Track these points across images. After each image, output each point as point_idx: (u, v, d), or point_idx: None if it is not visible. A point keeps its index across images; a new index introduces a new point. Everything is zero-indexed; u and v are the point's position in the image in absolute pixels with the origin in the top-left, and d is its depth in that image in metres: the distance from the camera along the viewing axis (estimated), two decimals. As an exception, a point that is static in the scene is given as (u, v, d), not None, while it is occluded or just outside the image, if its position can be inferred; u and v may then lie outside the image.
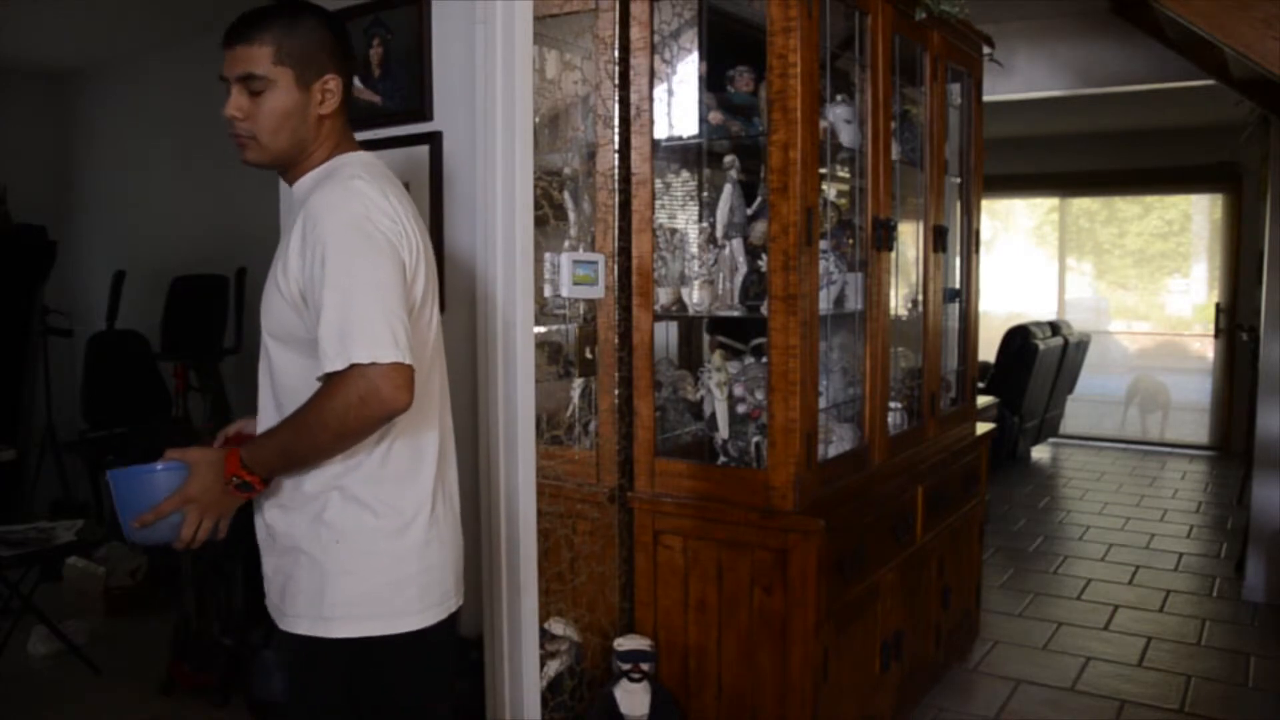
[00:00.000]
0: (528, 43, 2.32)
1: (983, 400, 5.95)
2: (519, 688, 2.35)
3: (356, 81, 2.59)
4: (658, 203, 2.75)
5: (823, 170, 2.62)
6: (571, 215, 2.76)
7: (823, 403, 2.69)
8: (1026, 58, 4.77)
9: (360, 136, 2.43)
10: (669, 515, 2.66)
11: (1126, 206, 8.56)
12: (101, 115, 5.91)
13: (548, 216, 2.67)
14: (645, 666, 2.61)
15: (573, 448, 2.78)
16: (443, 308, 1.78)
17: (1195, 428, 8.16)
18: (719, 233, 2.78)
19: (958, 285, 3.60)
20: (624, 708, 2.58)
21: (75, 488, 5.12)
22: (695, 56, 2.81)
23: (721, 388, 2.74)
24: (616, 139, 2.67)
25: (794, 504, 2.48)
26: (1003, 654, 3.77)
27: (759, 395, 2.68)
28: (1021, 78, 4.77)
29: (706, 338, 3.17)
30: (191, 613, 3.41)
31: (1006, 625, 4.06)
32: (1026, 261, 8.93)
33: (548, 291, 2.62)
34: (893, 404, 3.06)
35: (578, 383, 2.80)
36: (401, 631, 1.57)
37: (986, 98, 3.71)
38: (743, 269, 2.73)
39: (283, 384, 1.58)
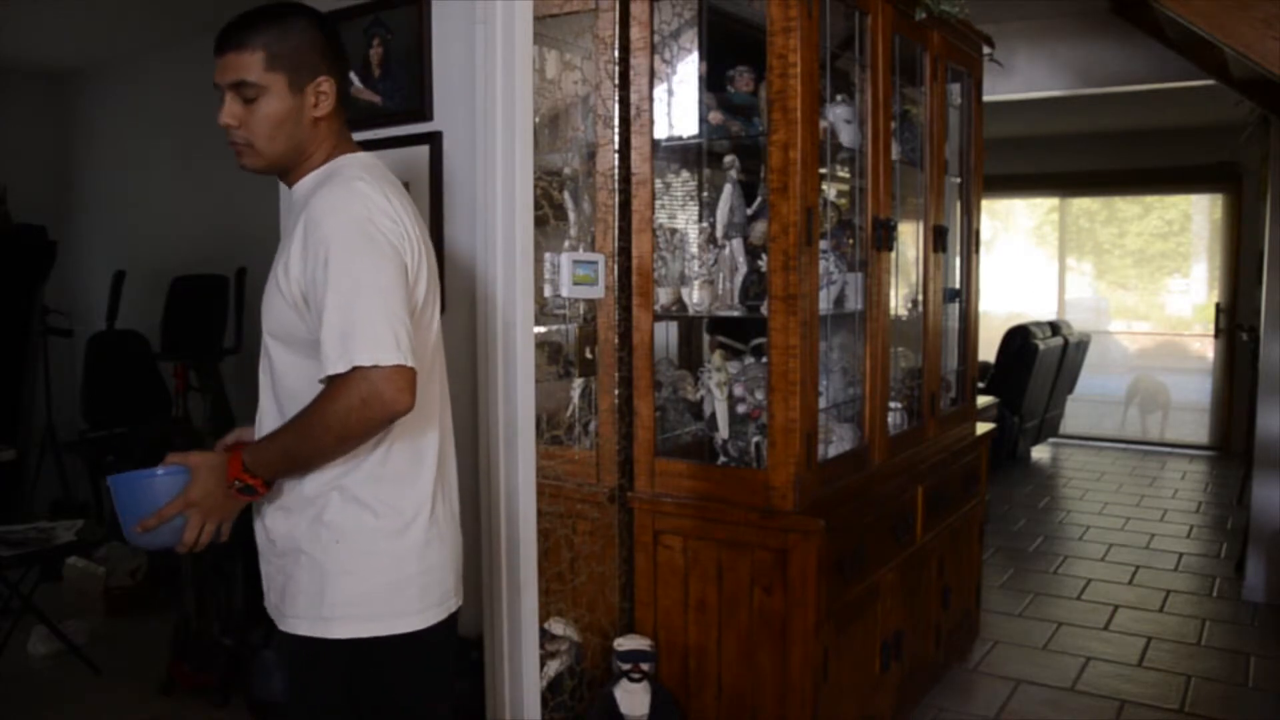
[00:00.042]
0: (528, 43, 2.32)
1: (983, 400, 5.95)
2: (519, 688, 2.35)
3: (356, 81, 2.59)
4: (658, 203, 2.75)
5: (823, 170, 2.62)
6: (571, 215, 2.76)
7: (823, 403, 2.69)
8: (1026, 58, 4.77)
9: (360, 136, 2.44)
10: (669, 515, 2.66)
11: (1126, 206, 8.56)
12: (101, 115, 5.91)
13: (548, 216, 2.67)
14: (645, 666, 2.61)
15: (573, 448, 2.78)
16: (443, 308, 1.78)
17: (1195, 428, 8.16)
18: (719, 233, 2.78)
19: (958, 285, 3.60)
20: (624, 708, 2.58)
21: (75, 488, 5.12)
22: (695, 56, 2.81)
23: (721, 388, 2.74)
24: (616, 139, 2.67)
25: (794, 504, 2.48)
26: (1003, 654, 3.77)
27: (759, 395, 2.68)
28: (1021, 78, 4.77)
29: (706, 338, 3.17)
30: (191, 613, 3.41)
31: (1006, 625, 4.06)
32: (1026, 261, 8.93)
33: (548, 291, 2.62)
34: (893, 404, 3.06)
35: (578, 383, 2.80)
36: (401, 632, 1.57)
37: (986, 98, 3.71)
38: (743, 269, 2.73)
39: (284, 385, 1.58)
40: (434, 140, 2.48)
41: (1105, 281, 8.74)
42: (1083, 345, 7.90)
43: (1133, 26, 4.47)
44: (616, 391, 2.71)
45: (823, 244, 2.64)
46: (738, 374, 2.77)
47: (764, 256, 2.57)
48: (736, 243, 2.75)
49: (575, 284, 2.56)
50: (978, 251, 3.65)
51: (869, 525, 2.74)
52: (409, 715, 1.66)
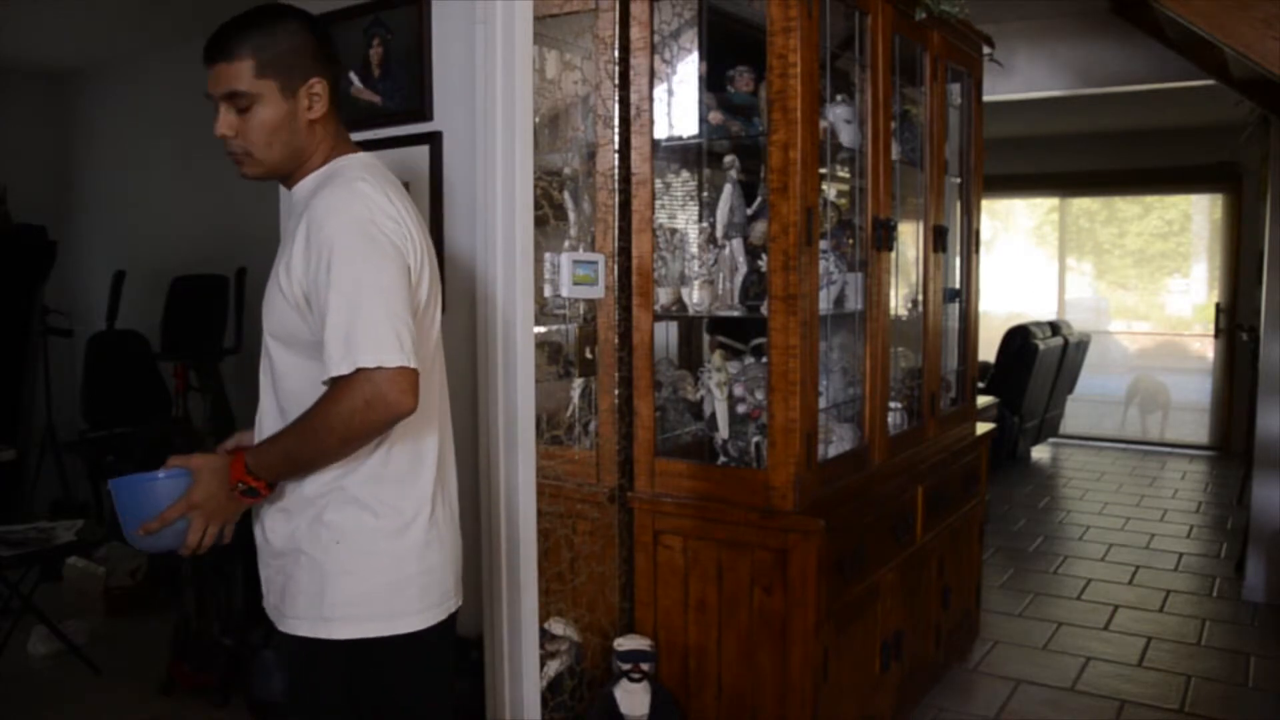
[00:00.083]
0: (528, 43, 2.32)
1: (983, 400, 5.95)
2: (519, 688, 2.35)
3: (356, 81, 2.59)
4: (658, 203, 2.75)
5: (823, 170, 2.62)
6: (571, 215, 2.76)
7: (823, 403, 2.69)
8: (1026, 58, 4.77)
9: (360, 136, 2.44)
10: (669, 515, 2.66)
11: (1126, 206, 8.56)
12: (101, 115, 5.91)
13: (548, 216, 2.67)
14: (645, 666, 2.61)
15: (573, 448, 2.78)
16: (443, 308, 1.78)
17: (1195, 428, 8.16)
18: (719, 233, 2.78)
19: (958, 285, 3.60)
20: (624, 708, 2.58)
21: (75, 488, 5.12)
22: (695, 56, 2.81)
23: (721, 388, 2.74)
24: (616, 139, 2.67)
25: (794, 504, 2.48)
26: (1003, 654, 3.77)
27: (759, 395, 2.68)
28: (1021, 78, 4.77)
29: (706, 338, 3.17)
30: (191, 613, 3.41)
31: (1006, 625, 4.06)
32: (1026, 261, 8.93)
33: (548, 291, 2.62)
34: (893, 404, 3.06)
35: (578, 383, 2.80)
36: (402, 632, 1.57)
37: (986, 98, 3.71)
38: (743, 269, 2.73)
39: (284, 386, 1.58)
40: (434, 140, 2.48)
41: (1105, 281, 8.74)
42: (1083, 345, 7.90)
43: (1133, 26, 4.47)
44: (616, 391, 2.71)
45: (823, 244, 2.64)
46: (738, 374, 2.77)
47: (764, 256, 2.57)
48: (736, 243, 2.75)
49: (575, 284, 2.56)
50: (978, 251, 3.65)
51: (869, 525, 2.74)
52: (408, 715, 1.66)
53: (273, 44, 1.53)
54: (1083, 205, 8.73)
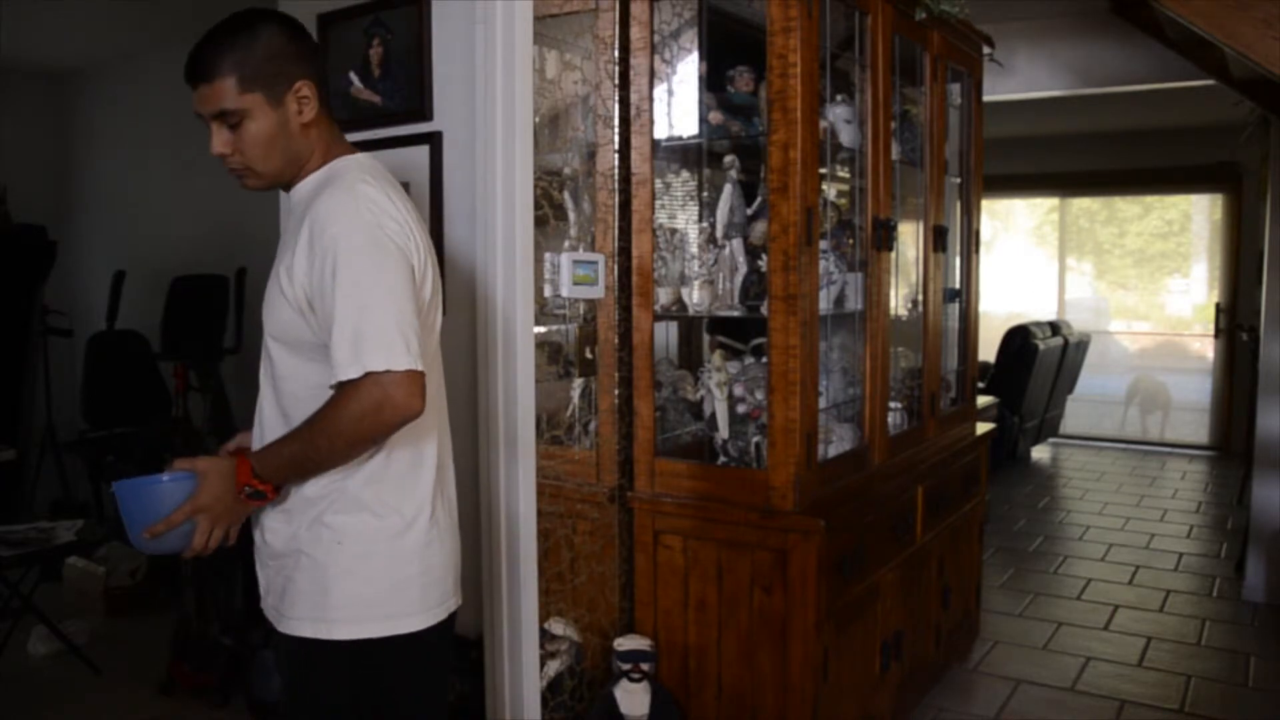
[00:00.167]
0: (528, 43, 2.32)
1: (983, 400, 5.95)
2: (519, 688, 2.35)
3: (356, 81, 2.60)
4: (658, 203, 2.75)
5: (823, 170, 2.62)
6: (571, 215, 2.76)
7: (823, 403, 2.69)
8: (1026, 58, 4.77)
9: (360, 136, 2.45)
10: (669, 515, 2.66)
11: (1126, 206, 8.56)
12: (101, 115, 5.91)
13: (548, 216, 2.67)
14: (645, 666, 2.61)
15: (573, 448, 2.78)
16: (444, 308, 1.78)
17: (1195, 428, 8.16)
18: (719, 233, 2.78)
19: (958, 285, 3.60)
20: (624, 708, 2.58)
21: (75, 488, 5.12)
22: (695, 56, 2.81)
23: (721, 388, 2.74)
24: (616, 139, 2.67)
25: (794, 504, 2.48)
26: (1003, 654, 3.77)
27: (759, 395, 2.68)
28: (1021, 78, 4.77)
29: (706, 338, 3.17)
30: (191, 613, 3.41)
31: (1006, 625, 4.06)
32: (1026, 261, 8.93)
33: (548, 291, 2.62)
34: (893, 404, 3.06)
35: (578, 383, 2.80)
36: (403, 632, 1.57)
37: (986, 98, 3.71)
38: (743, 269, 2.72)
39: (286, 388, 1.58)
40: (434, 140, 2.48)
41: (1105, 281, 8.74)
42: (1083, 345, 7.90)
43: (1133, 26, 4.47)
44: (616, 391, 2.71)
45: (823, 244, 2.64)
46: (738, 374, 2.77)
47: (764, 256, 2.57)
48: (736, 243, 2.75)
49: (575, 284, 2.56)
50: (978, 251, 3.65)
51: (869, 525, 2.74)
52: (407, 715, 1.66)
53: (252, 56, 1.50)
54: (1083, 205, 8.73)
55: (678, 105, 2.80)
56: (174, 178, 5.46)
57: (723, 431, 2.75)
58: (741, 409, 2.74)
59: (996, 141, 4.91)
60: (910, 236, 3.24)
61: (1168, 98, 5.60)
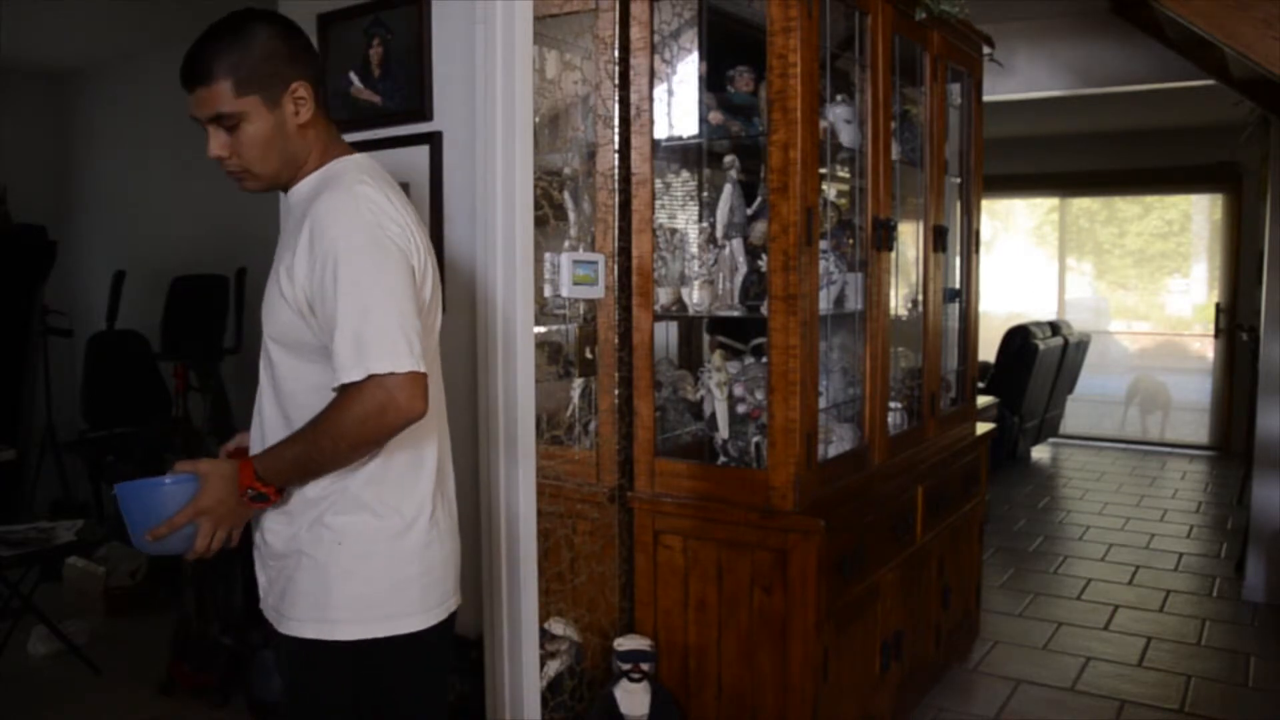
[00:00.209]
0: (528, 43, 2.32)
1: (983, 400, 5.95)
2: (519, 688, 2.35)
3: (356, 81, 2.60)
4: (658, 203, 2.75)
5: (823, 170, 2.62)
6: (571, 215, 2.76)
7: (823, 403, 2.69)
8: (1026, 58, 4.77)
9: (360, 136, 2.45)
10: (669, 515, 2.66)
11: (1126, 206, 8.56)
12: (101, 115, 5.91)
13: (548, 216, 2.67)
14: (645, 666, 2.61)
15: (573, 448, 2.78)
16: (444, 308, 1.78)
17: (1195, 428, 8.16)
18: (719, 233, 2.78)
19: (958, 285, 3.60)
20: (624, 708, 2.58)
21: (75, 488, 5.12)
22: (695, 56, 2.81)
23: (721, 388, 2.74)
24: (616, 139, 2.67)
25: (794, 504, 2.48)
26: (1003, 654, 3.77)
27: (759, 395, 2.68)
28: (1021, 78, 4.77)
29: (706, 338, 3.17)
30: (191, 613, 3.41)
31: (1006, 625, 4.06)
32: (1026, 261, 8.93)
33: (548, 291, 2.62)
34: (893, 404, 3.06)
35: (578, 383, 2.80)
36: (403, 632, 1.57)
37: (986, 98, 3.71)
38: (743, 269, 2.72)
39: (287, 389, 1.57)
40: (434, 140, 2.48)
41: (1105, 281, 8.74)
42: (1083, 345, 7.91)
43: (1133, 26, 4.47)
44: (616, 391, 2.71)
45: (823, 244, 2.64)
46: (738, 374, 2.77)
47: (764, 256, 2.57)
48: (736, 243, 2.75)
49: (575, 284, 2.56)
50: (978, 251, 3.65)
51: (869, 525, 2.74)
52: (407, 715, 1.66)
53: (247, 58, 1.50)
54: (1083, 205, 8.73)
55: (678, 105, 2.80)
56: (174, 178, 5.45)
57: (723, 431, 2.75)
58: (741, 409, 2.74)
59: (996, 141, 4.91)
60: (910, 236, 3.24)
61: (1168, 98, 5.60)
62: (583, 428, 2.79)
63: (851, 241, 2.88)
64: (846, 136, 2.80)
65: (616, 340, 2.71)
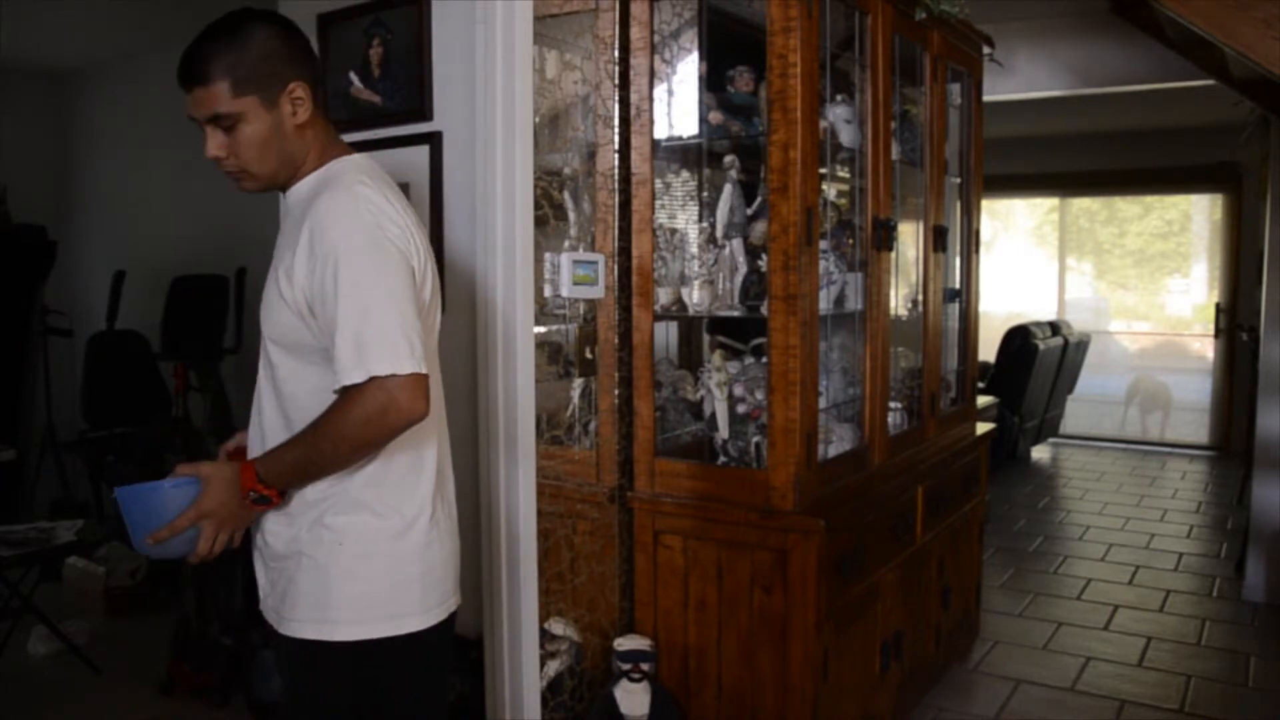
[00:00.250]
0: (528, 43, 2.32)
1: (983, 400, 5.95)
2: (519, 688, 2.35)
3: (356, 81, 2.60)
4: (658, 203, 2.75)
5: (823, 170, 2.62)
6: (571, 215, 2.76)
7: (823, 403, 2.69)
8: (1026, 58, 4.77)
9: (360, 136, 2.45)
10: (669, 515, 2.66)
11: (1126, 206, 8.56)
12: (101, 115, 5.91)
13: (548, 216, 2.67)
14: (645, 666, 2.61)
15: (573, 448, 2.78)
16: (443, 308, 1.78)
17: (1195, 428, 8.16)
18: (719, 233, 2.78)
19: (958, 285, 3.60)
20: (624, 708, 2.58)
21: (75, 488, 5.12)
22: (695, 56, 2.81)
23: (721, 388, 2.74)
24: (616, 139, 2.67)
25: (794, 504, 2.48)
26: (1003, 654, 3.77)
27: (759, 395, 2.68)
28: (1021, 78, 4.77)
29: (706, 338, 3.17)
30: (191, 613, 3.41)
31: (1006, 625, 4.06)
32: (1026, 261, 8.93)
33: (548, 291, 2.62)
34: (893, 404, 3.06)
35: (578, 383, 2.80)
36: (404, 633, 1.57)
37: (986, 98, 3.71)
38: (743, 269, 2.73)
39: (287, 390, 1.57)
40: (434, 140, 2.48)
41: (1105, 281, 8.74)
42: (1083, 345, 7.91)
43: (1133, 26, 4.47)
44: (616, 391, 2.71)
45: (823, 244, 2.64)
46: (738, 374, 2.77)
47: (764, 256, 2.57)
48: (736, 243, 2.75)
49: (575, 284, 2.56)
50: (978, 251, 3.65)
51: (869, 525, 2.74)
52: (408, 715, 1.66)
53: (245, 58, 1.49)
54: (1083, 205, 8.73)
55: (678, 105, 2.80)
56: (174, 178, 5.45)
57: (723, 431, 2.75)
58: (741, 409, 2.74)
59: (996, 141, 4.91)
60: (910, 236, 3.24)
61: (1168, 98, 5.60)
62: (583, 428, 2.79)
63: (851, 241, 2.88)
64: (846, 136, 2.80)
65: (616, 340, 2.71)
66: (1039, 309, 8.55)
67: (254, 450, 1.63)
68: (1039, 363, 6.92)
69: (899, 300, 3.15)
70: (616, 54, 2.66)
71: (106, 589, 4.14)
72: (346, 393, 1.44)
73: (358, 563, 1.54)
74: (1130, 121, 7.54)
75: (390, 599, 1.55)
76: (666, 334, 3.11)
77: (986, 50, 3.62)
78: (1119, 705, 3.35)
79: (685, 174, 2.98)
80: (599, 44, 2.68)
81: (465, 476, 2.11)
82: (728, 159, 2.74)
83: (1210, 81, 4.35)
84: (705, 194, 2.98)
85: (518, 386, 2.31)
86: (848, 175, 2.98)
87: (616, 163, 2.67)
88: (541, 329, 2.69)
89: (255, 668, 3.08)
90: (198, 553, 1.52)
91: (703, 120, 2.77)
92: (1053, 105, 5.61)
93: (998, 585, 4.57)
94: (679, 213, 2.98)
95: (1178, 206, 8.41)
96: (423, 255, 1.56)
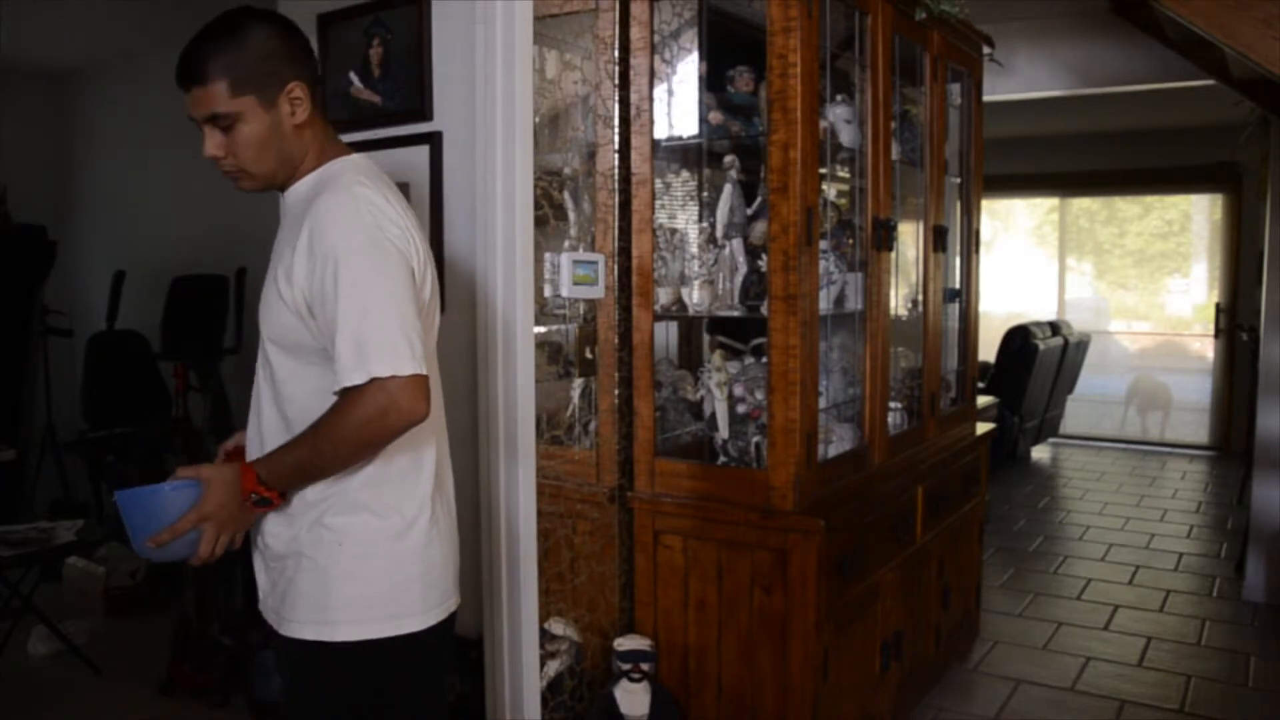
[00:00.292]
0: (528, 43, 2.32)
1: (983, 400, 5.95)
2: (519, 688, 2.35)
3: (356, 81, 2.60)
4: (658, 203, 2.75)
5: (823, 170, 2.62)
6: (571, 215, 2.76)
7: (823, 403, 2.69)
8: (1026, 58, 4.77)
9: (360, 136, 2.46)
10: (669, 515, 2.66)
11: (1126, 206, 8.56)
12: (101, 115, 5.91)
13: (548, 216, 2.67)
14: (645, 666, 2.61)
15: (573, 448, 2.78)
16: (443, 308, 1.78)
17: (1195, 428, 8.16)
18: (719, 233, 2.78)
19: (958, 285, 3.60)
20: (624, 708, 2.58)
21: (75, 488, 5.12)
22: (695, 56, 2.81)
23: (721, 388, 2.74)
24: (616, 139, 2.67)
25: (794, 504, 2.48)
26: (1003, 654, 3.77)
27: (759, 395, 2.68)
28: (1021, 78, 4.77)
29: (706, 338, 3.17)
30: (191, 613, 3.41)
31: (1006, 625, 4.06)
32: (1026, 261, 8.93)
33: (548, 291, 2.62)
34: (893, 404, 3.06)
35: (578, 383, 2.80)
36: (404, 633, 1.57)
37: (986, 98, 3.71)
38: (743, 269, 2.73)
39: (286, 391, 1.57)
40: (434, 140, 2.48)
41: (1105, 281, 8.74)
42: (1083, 345, 7.91)
43: (1133, 26, 4.47)
44: (616, 391, 2.71)
45: (823, 244, 2.64)
46: (738, 374, 2.77)
47: (764, 256, 2.57)
48: (736, 243, 2.75)
49: (575, 284, 2.56)
50: (978, 251, 3.65)
51: (869, 525, 2.74)
52: (408, 715, 1.66)
53: (243, 58, 1.49)
54: (1083, 205, 8.73)
55: (678, 105, 2.80)
56: (174, 178, 5.45)
57: (723, 431, 2.75)
58: (741, 409, 2.74)
59: (996, 141, 4.91)
60: (910, 236, 3.24)
61: (1168, 98, 5.60)
62: (583, 428, 2.79)
63: (851, 241, 2.88)
64: (846, 136, 2.80)
65: (616, 340, 2.71)
66: (1039, 309, 8.55)
67: (252, 451, 1.62)
68: (1039, 363, 6.92)
69: (899, 300, 3.15)
70: (616, 54, 2.66)
71: (106, 589, 4.14)
72: (347, 394, 1.44)
73: (357, 563, 1.54)
74: (1130, 121, 7.54)
75: (390, 599, 1.55)
76: (666, 334, 3.11)
77: (986, 50, 3.62)
78: (1119, 705, 3.35)
79: (685, 174, 2.98)
80: (599, 44, 2.68)
81: (465, 476, 2.11)
82: (728, 159, 2.74)
83: (1210, 81, 4.35)
84: (705, 194, 2.98)
85: (518, 386, 2.31)
86: (848, 175, 2.98)
87: (616, 163, 2.67)
88: (541, 329, 2.69)
89: (255, 668, 3.08)
90: (199, 555, 1.52)
91: (703, 120, 2.77)
92: (1053, 105, 5.61)
93: (998, 585, 4.57)
94: (679, 213, 2.98)
95: (1178, 206, 8.41)
96: (422, 256, 1.56)
